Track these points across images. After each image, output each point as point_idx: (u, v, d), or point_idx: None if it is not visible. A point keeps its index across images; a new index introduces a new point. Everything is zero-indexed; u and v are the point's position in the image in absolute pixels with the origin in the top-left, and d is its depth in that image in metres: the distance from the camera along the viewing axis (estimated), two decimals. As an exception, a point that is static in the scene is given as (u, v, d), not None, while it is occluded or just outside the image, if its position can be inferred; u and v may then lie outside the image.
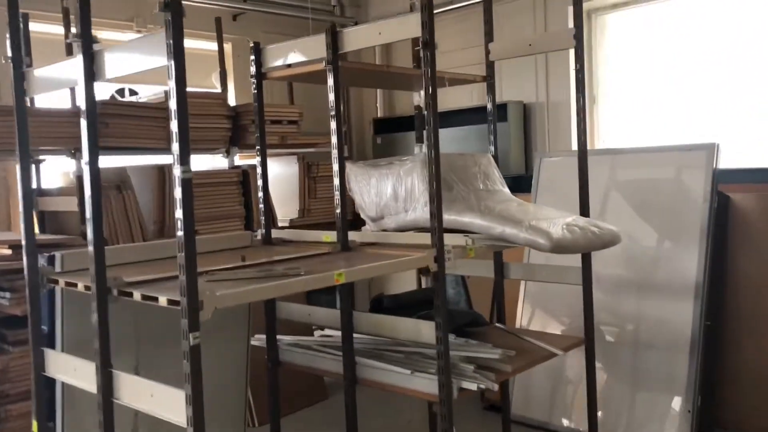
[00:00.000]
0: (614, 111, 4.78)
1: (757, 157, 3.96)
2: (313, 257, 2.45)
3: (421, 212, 2.76)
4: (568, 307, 4.01)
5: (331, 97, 2.54)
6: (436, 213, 2.28)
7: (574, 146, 4.86)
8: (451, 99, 4.92)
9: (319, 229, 4.74)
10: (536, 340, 2.93)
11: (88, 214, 1.97)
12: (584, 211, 2.99)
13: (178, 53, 1.67)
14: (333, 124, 2.56)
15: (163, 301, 1.79)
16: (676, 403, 3.45)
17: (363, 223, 3.06)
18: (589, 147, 4.91)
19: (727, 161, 3.67)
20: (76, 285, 2.09)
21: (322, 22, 5.31)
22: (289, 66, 2.83)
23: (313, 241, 2.83)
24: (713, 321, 3.51)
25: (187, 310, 1.67)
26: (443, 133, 3.82)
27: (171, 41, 1.66)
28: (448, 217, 2.55)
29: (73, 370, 2.13)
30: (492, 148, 3.20)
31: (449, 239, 2.39)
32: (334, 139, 2.57)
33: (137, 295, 1.89)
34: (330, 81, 2.52)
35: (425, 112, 2.25)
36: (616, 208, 3.85)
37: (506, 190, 2.92)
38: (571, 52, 4.76)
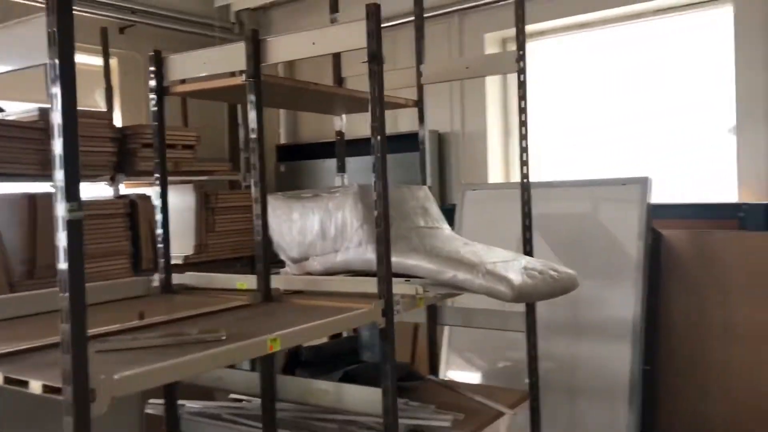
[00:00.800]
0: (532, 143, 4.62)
1: (680, 192, 3.89)
2: (230, 312, 2.00)
3: (354, 253, 2.38)
4: (492, 350, 3.75)
5: (253, 116, 2.12)
6: (384, 257, 1.91)
7: (491, 178, 4.67)
8: (361, 126, 4.62)
9: (218, 267, 4.24)
10: (479, 396, 2.60)
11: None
12: (528, 249, 2.73)
13: (64, 45, 1.22)
14: (257, 150, 2.14)
15: (36, 387, 1.30)
16: (616, 454, 3.23)
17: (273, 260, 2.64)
18: (504, 180, 4.80)
19: (655, 196, 3.55)
20: None
21: (221, 40, 4.87)
22: (183, 81, 2.40)
23: (224, 289, 2.37)
24: (652, 365, 3.33)
25: (73, 404, 1.20)
26: (353, 162, 3.51)
27: (55, 29, 1.21)
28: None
29: None
30: (429, 179, 2.89)
31: (395, 287, 2.02)
32: (258, 167, 2.15)
33: (-2, 377, 1.38)
34: (251, 98, 2.11)
35: (374, 137, 1.89)
36: (545, 244, 3.63)
37: (447, 227, 2.60)
38: (489, 80, 4.69)
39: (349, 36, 1.93)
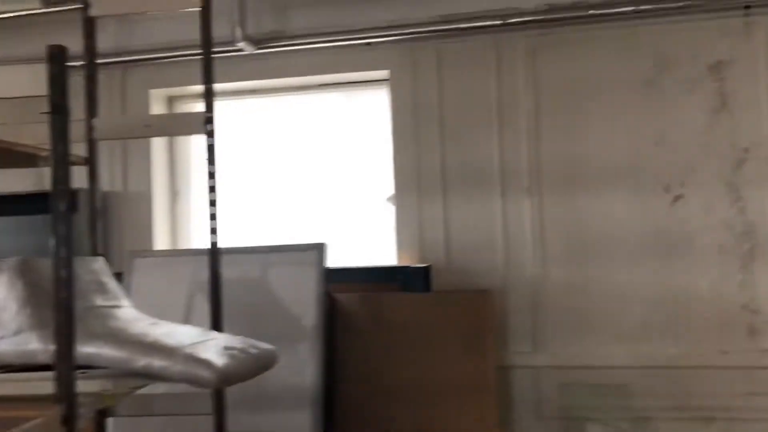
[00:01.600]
0: (200, 207, 4.44)
1: (350, 257, 4.08)
2: None
3: (11, 343, 1.94)
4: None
5: None
6: (65, 349, 1.56)
7: (157, 243, 4.35)
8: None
9: None
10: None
11: None
12: (217, 324, 2.55)
13: None
14: None
15: None
16: None
17: None
18: (170, 245, 4.51)
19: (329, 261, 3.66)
20: None
21: None
22: None
23: None
24: (332, 430, 3.36)
25: None
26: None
27: None
28: (63, 350, 1.80)
29: None
30: (100, 249, 2.53)
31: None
32: None
33: None
34: None
35: (57, 202, 1.55)
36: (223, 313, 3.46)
37: (128, 304, 2.28)
38: (158, 141, 4.39)
39: (21, 81, 1.58)
